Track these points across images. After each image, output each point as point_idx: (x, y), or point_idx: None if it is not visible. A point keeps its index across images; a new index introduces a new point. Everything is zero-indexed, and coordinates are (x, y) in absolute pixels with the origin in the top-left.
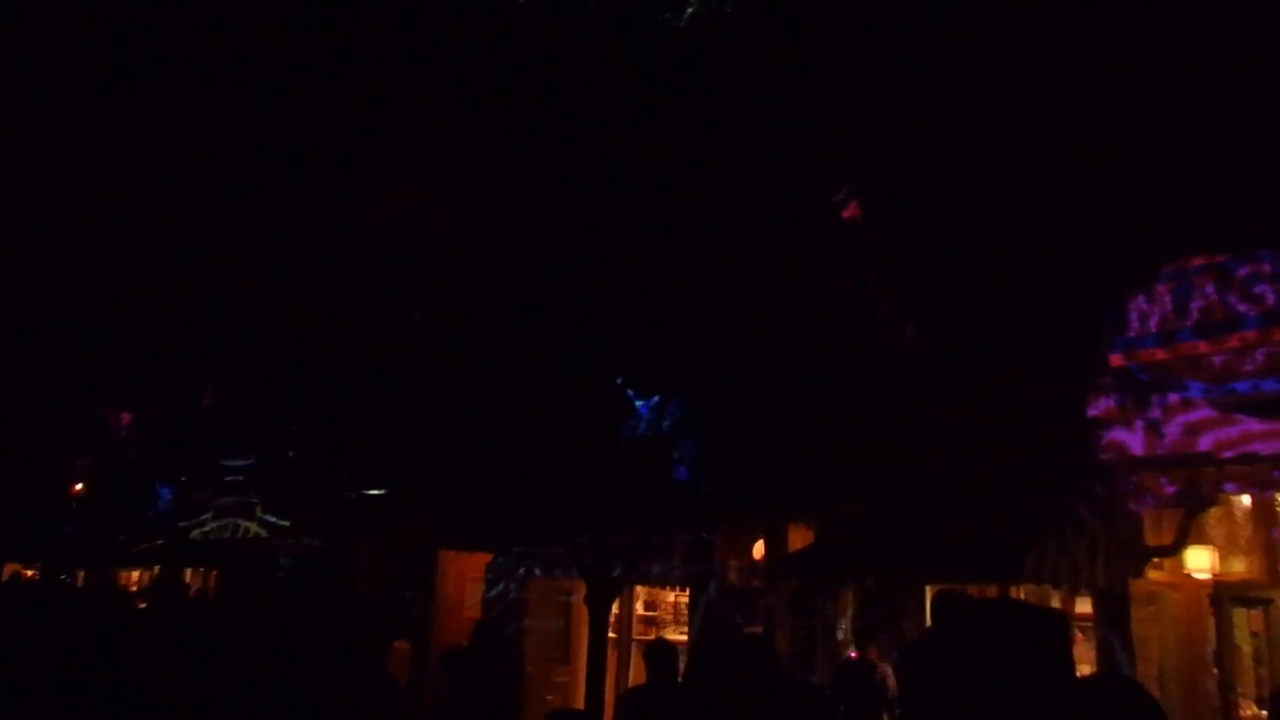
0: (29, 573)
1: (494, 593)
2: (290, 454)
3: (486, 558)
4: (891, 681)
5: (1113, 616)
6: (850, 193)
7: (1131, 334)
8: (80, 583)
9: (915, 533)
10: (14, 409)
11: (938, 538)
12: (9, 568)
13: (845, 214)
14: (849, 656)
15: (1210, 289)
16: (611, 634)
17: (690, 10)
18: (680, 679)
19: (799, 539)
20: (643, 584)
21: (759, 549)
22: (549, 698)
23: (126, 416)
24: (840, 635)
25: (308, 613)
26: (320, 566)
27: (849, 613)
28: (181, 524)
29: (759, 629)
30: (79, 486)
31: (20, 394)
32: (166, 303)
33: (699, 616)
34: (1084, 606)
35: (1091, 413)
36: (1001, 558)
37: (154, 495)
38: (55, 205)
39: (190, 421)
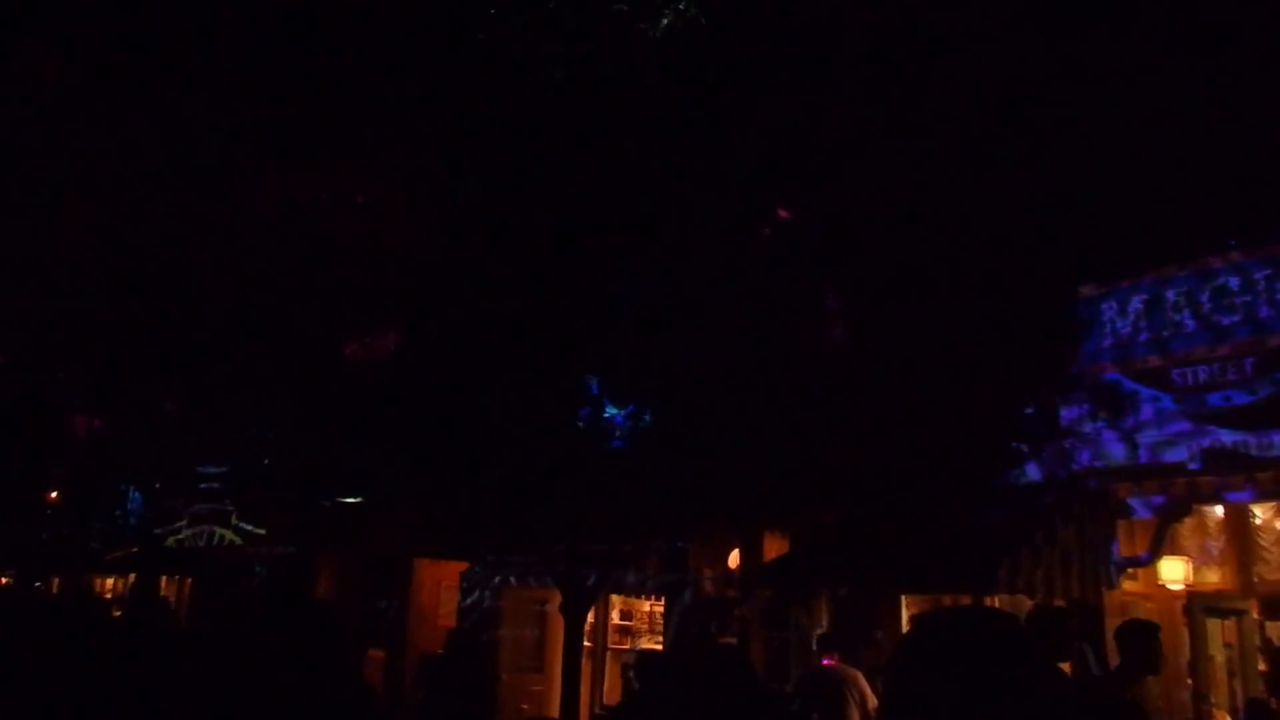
0: (3, 580)
1: (469, 601)
2: (266, 462)
3: (462, 566)
4: (863, 687)
5: (1086, 627)
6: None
7: (1106, 345)
8: (55, 589)
9: (889, 543)
10: None
11: (911, 548)
12: None
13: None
14: (821, 664)
15: (1183, 302)
16: (586, 643)
17: (665, 20)
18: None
19: (775, 548)
20: (618, 593)
21: (734, 558)
22: (524, 706)
23: (98, 423)
24: (815, 645)
25: (275, 618)
26: (282, 571)
27: (824, 622)
28: (156, 531)
29: (733, 639)
30: (53, 494)
31: None
32: (137, 309)
33: (673, 626)
34: None
35: (1064, 423)
36: (974, 568)
37: (125, 501)
38: (18, 213)
39: (161, 428)
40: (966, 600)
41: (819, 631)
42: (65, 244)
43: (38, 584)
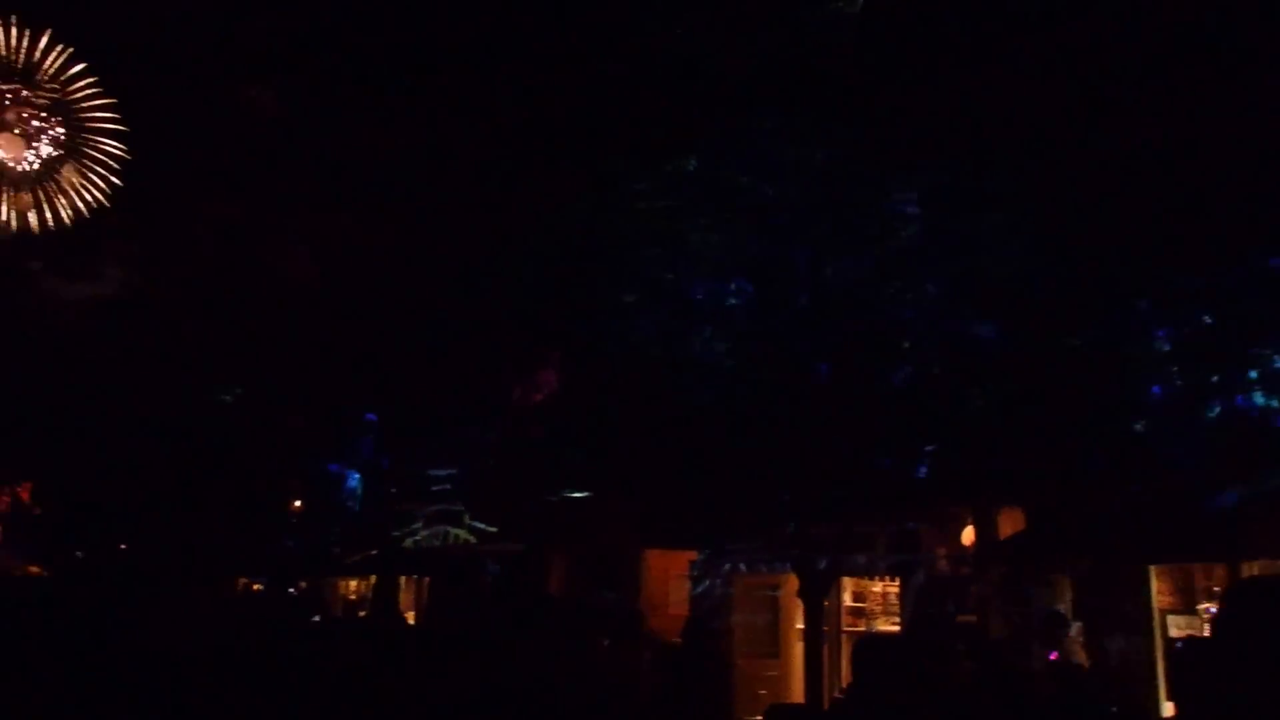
0: (256, 586)
1: (700, 589)
2: (493, 462)
3: (691, 555)
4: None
5: None
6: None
7: None
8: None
9: (1131, 512)
10: (234, 435)
11: (1155, 516)
12: (239, 581)
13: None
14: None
15: None
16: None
17: None
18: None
19: (1010, 524)
20: (850, 575)
21: (968, 535)
22: (761, 692)
23: (328, 435)
24: (1042, 623)
25: (510, 614)
26: (514, 571)
27: (1066, 597)
28: (394, 534)
29: (972, 617)
30: (296, 504)
31: (236, 421)
32: (363, 326)
33: (909, 606)
34: None
35: None
36: (1225, 533)
37: (353, 502)
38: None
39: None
40: (1219, 569)
41: (1063, 608)
42: (287, 270)
43: (290, 590)
